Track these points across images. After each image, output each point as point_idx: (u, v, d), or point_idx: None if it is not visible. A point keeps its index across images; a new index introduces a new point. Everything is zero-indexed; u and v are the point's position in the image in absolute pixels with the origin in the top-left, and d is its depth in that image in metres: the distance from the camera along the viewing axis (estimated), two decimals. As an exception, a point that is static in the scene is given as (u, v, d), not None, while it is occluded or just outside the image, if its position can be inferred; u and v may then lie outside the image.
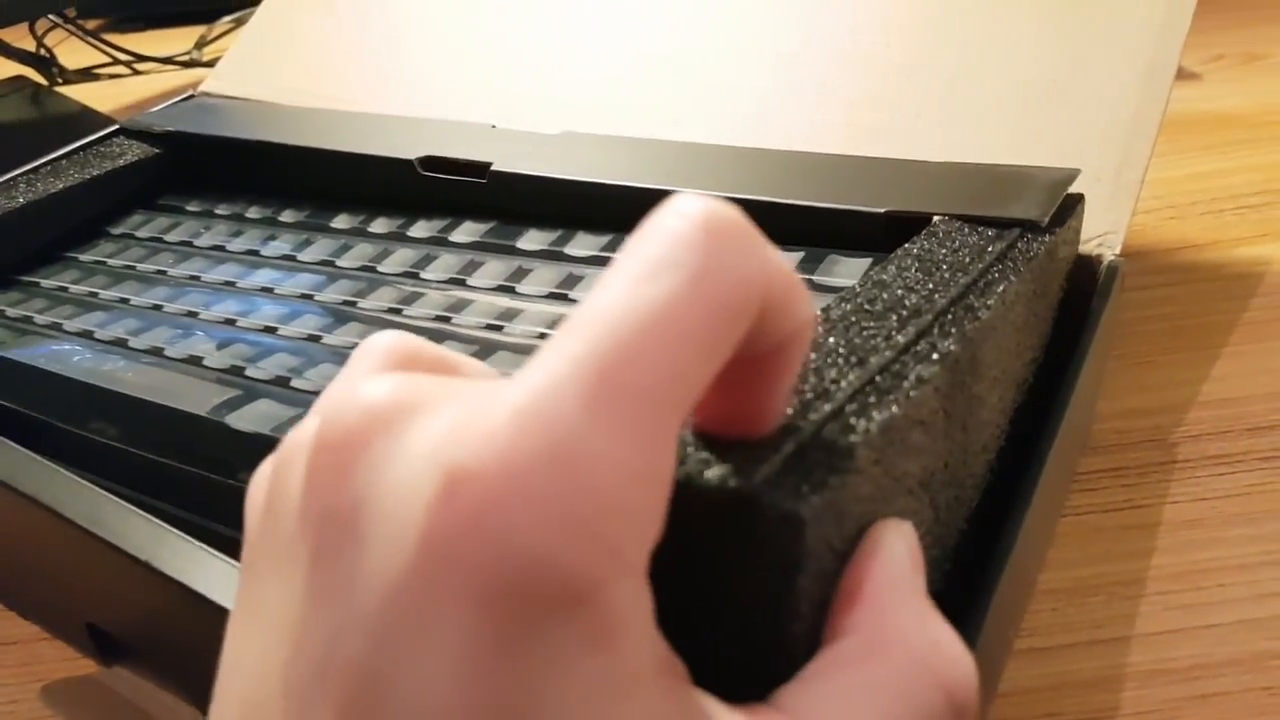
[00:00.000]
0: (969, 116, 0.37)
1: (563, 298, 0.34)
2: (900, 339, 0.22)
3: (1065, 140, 0.35)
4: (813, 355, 0.21)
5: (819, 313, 0.24)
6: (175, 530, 0.29)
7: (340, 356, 0.33)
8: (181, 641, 0.31)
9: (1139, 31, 0.36)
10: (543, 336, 0.33)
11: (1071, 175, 0.32)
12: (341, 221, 0.42)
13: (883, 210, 0.31)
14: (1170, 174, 0.55)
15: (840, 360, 0.20)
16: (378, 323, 0.35)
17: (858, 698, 0.15)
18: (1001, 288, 0.26)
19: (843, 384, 0.19)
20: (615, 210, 0.36)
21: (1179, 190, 0.53)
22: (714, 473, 0.15)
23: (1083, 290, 0.32)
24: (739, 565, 0.15)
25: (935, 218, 0.30)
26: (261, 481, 0.17)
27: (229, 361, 0.34)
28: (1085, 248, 0.33)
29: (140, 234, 0.45)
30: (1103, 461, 0.38)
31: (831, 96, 0.40)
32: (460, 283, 0.36)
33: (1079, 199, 0.32)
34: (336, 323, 0.35)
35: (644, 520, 0.13)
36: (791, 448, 0.16)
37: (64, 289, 0.41)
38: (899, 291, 0.25)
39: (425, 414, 0.14)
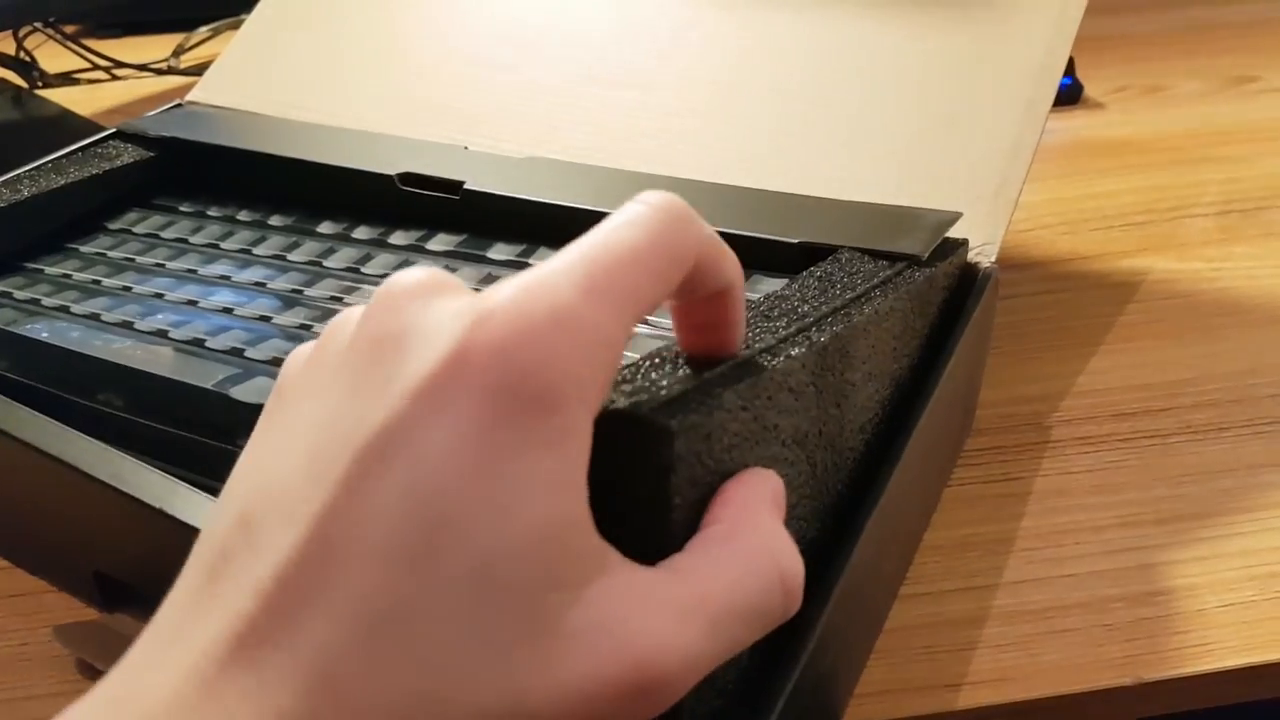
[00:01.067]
0: (873, 143, 0.43)
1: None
2: (783, 332, 0.28)
3: (955, 165, 0.41)
4: None
5: None
6: (184, 482, 0.34)
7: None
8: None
9: (1020, 72, 0.42)
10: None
11: (953, 218, 0.38)
12: (327, 227, 0.47)
13: (796, 240, 0.37)
14: (1068, 193, 0.61)
15: None
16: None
17: (719, 563, 0.21)
18: (878, 303, 0.31)
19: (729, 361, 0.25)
20: (570, 229, 0.40)
21: (1074, 208, 0.60)
22: (620, 404, 0.21)
23: (964, 293, 0.38)
24: (632, 467, 0.21)
25: (840, 249, 0.36)
26: (300, 351, 0.23)
27: (229, 344, 0.39)
28: (967, 257, 0.39)
29: (138, 229, 0.49)
30: (986, 441, 0.44)
31: (758, 122, 0.45)
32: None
33: (963, 243, 0.38)
34: (324, 315, 0.40)
35: (601, 372, 0.19)
36: (678, 391, 0.22)
37: (68, 275, 0.45)
38: (794, 302, 0.30)
39: (460, 287, 0.20)
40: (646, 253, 0.20)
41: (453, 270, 0.42)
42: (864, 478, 0.31)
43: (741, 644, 0.21)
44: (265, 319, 0.40)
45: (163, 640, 0.20)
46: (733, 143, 0.45)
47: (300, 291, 0.42)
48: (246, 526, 0.19)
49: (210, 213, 0.50)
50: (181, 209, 0.51)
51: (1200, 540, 0.39)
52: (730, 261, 0.22)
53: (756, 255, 0.37)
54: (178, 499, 0.34)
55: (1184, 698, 0.35)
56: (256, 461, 0.21)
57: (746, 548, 0.21)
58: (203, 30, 0.93)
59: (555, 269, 0.19)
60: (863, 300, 0.32)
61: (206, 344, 0.39)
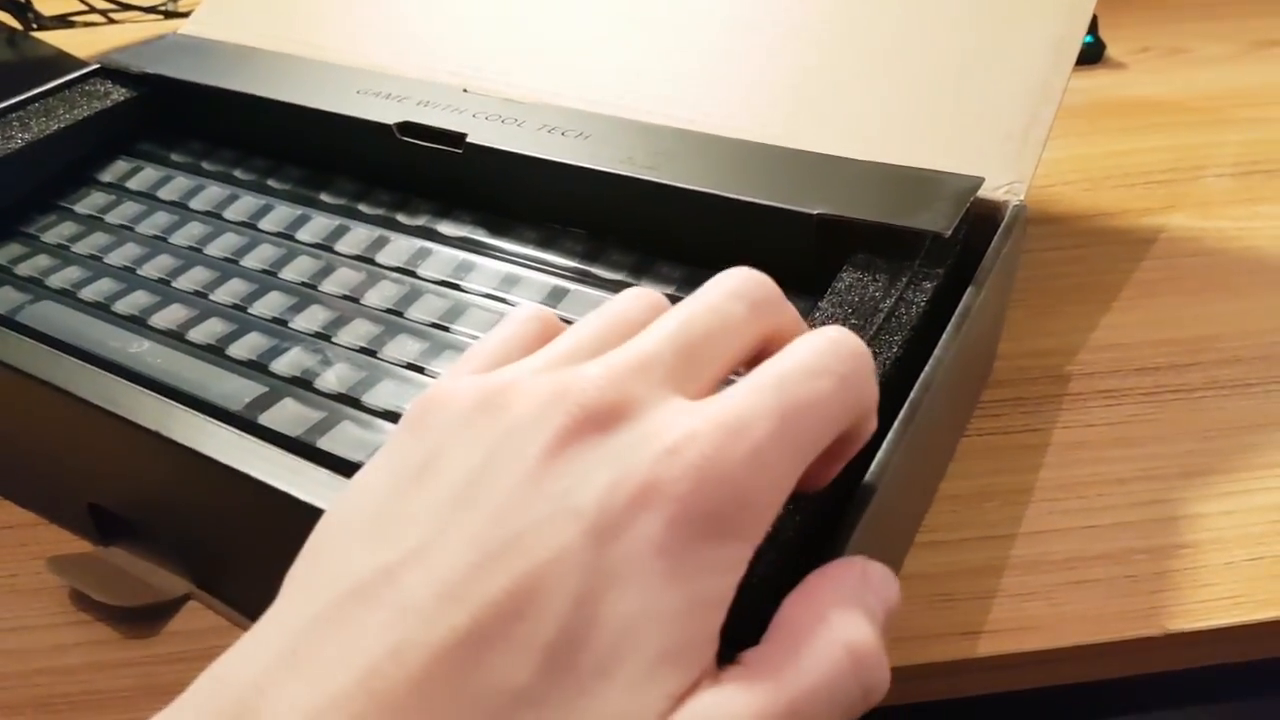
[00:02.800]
0: (898, 80, 0.41)
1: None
2: None
3: (983, 102, 0.40)
4: None
5: None
6: (182, 405, 0.33)
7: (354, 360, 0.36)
8: (184, 511, 0.35)
9: (1049, 10, 0.41)
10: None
11: (975, 184, 0.36)
12: (330, 195, 0.45)
13: (814, 213, 0.36)
14: (1089, 151, 0.59)
15: None
16: (381, 322, 0.38)
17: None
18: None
19: None
20: (575, 188, 0.40)
21: (1095, 165, 0.58)
22: None
23: (989, 230, 0.37)
24: None
25: (845, 267, 0.34)
26: (454, 396, 0.22)
27: (249, 353, 0.37)
28: (993, 195, 0.37)
29: (130, 185, 0.47)
30: (1005, 393, 0.43)
31: (775, 63, 0.44)
32: (456, 286, 0.39)
33: (978, 181, 0.37)
34: (341, 320, 0.38)
35: (774, 511, 0.20)
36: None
37: (65, 246, 0.43)
38: None
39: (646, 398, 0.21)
40: (835, 407, 0.22)
41: (469, 266, 0.40)
42: (885, 413, 0.30)
43: None
44: (281, 322, 0.38)
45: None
46: (748, 86, 0.44)
47: (313, 286, 0.40)
48: (390, 577, 0.19)
49: (205, 166, 0.48)
50: (173, 158, 0.49)
51: (1227, 494, 0.38)
52: (875, 398, 0.23)
53: (773, 226, 0.36)
54: (174, 422, 0.32)
55: (1212, 651, 0.34)
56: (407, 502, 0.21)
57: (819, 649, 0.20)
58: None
59: (754, 410, 0.20)
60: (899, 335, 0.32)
61: (227, 351, 0.37)
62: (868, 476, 0.27)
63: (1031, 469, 0.39)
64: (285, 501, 0.29)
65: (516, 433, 0.20)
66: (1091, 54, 0.69)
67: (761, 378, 0.21)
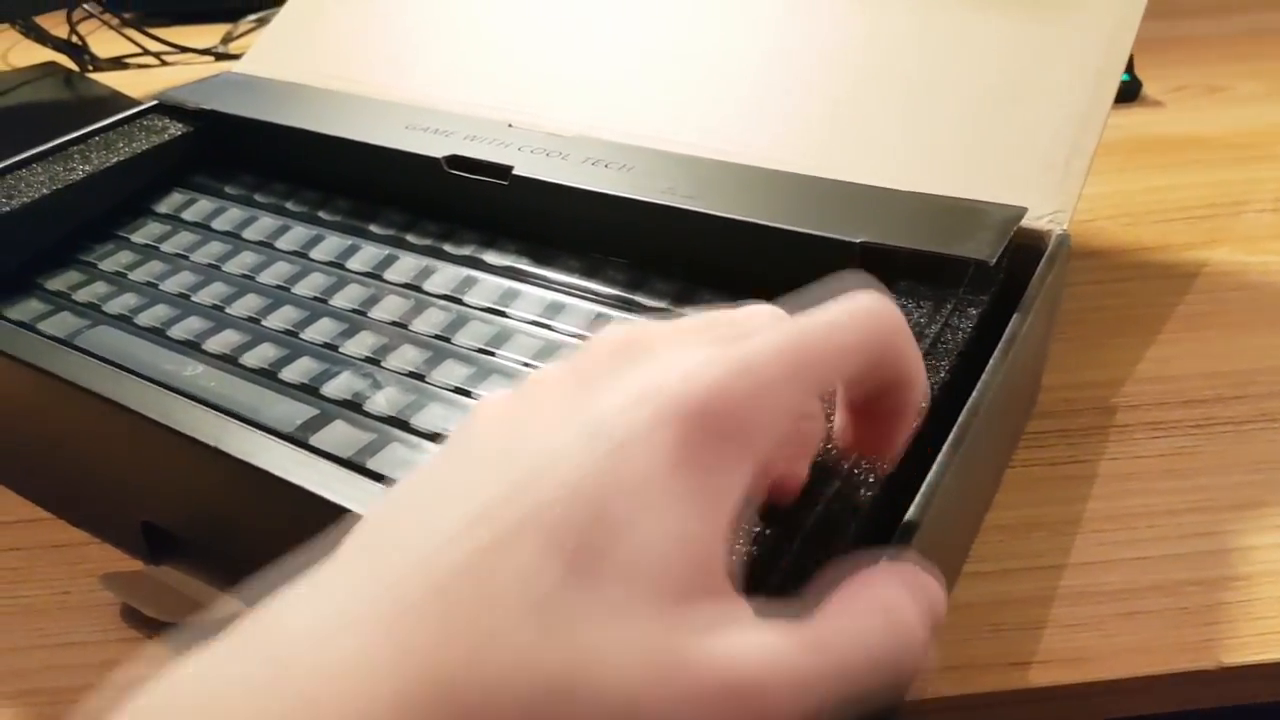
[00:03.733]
0: (940, 111, 0.42)
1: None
2: None
3: (1023, 133, 0.40)
4: None
5: None
6: (236, 419, 0.33)
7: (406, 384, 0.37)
8: (236, 527, 0.35)
9: (1090, 40, 0.41)
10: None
11: (1019, 214, 0.37)
12: (378, 227, 0.45)
13: (858, 241, 0.36)
14: (1129, 187, 0.59)
15: None
16: (429, 347, 0.38)
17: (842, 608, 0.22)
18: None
19: None
20: (619, 219, 0.40)
21: (1135, 201, 0.58)
22: None
23: (1033, 260, 0.37)
24: None
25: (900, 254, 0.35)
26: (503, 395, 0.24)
27: (300, 377, 0.37)
28: (1036, 224, 0.37)
29: (186, 216, 0.48)
30: (1050, 424, 0.43)
31: (814, 94, 0.44)
32: (501, 313, 0.40)
33: (1021, 211, 0.37)
34: (388, 347, 0.38)
35: (780, 433, 0.22)
36: None
37: (122, 274, 0.44)
38: None
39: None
40: (852, 354, 0.23)
41: (514, 294, 0.41)
42: (933, 439, 0.30)
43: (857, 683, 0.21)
44: (332, 347, 0.39)
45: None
46: (787, 116, 0.44)
47: (363, 313, 0.40)
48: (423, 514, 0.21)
49: (257, 198, 0.49)
50: (226, 190, 0.50)
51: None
52: (915, 361, 0.25)
53: (816, 255, 0.37)
54: (229, 436, 0.33)
55: (1267, 686, 0.34)
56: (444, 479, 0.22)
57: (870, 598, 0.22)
58: (249, 19, 0.93)
59: (767, 351, 0.22)
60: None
61: (279, 375, 0.37)
62: (916, 501, 0.27)
63: (1079, 500, 0.39)
64: (338, 515, 0.29)
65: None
66: (1128, 92, 0.70)
67: (785, 321, 0.23)
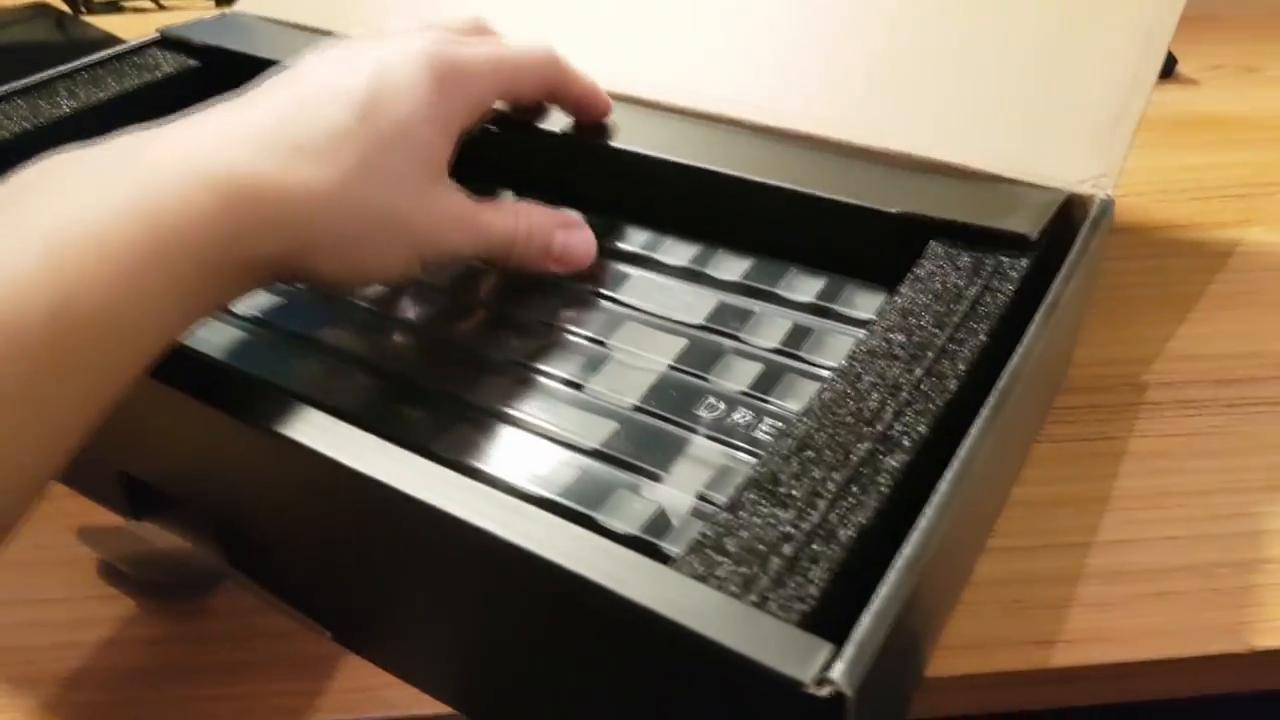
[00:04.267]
0: (983, 70, 0.40)
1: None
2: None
3: (1069, 94, 0.38)
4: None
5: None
6: (220, 364, 0.32)
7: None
8: (220, 482, 0.33)
9: (1140, 2, 0.39)
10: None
11: (1059, 198, 0.35)
12: None
13: (895, 211, 0.35)
14: (1164, 164, 0.58)
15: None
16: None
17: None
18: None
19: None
20: (647, 181, 0.39)
21: (1171, 178, 0.56)
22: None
23: (1074, 224, 0.35)
24: None
25: (925, 254, 0.33)
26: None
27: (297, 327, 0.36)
28: (1079, 188, 0.36)
29: None
30: (1081, 400, 0.41)
31: (852, 50, 0.42)
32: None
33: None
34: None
35: (482, 101, 0.35)
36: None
37: None
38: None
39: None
40: (527, 71, 0.37)
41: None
42: (970, 405, 0.28)
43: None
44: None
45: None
46: (825, 75, 0.42)
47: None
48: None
49: None
50: None
51: (1317, 510, 0.36)
52: (578, 80, 0.40)
53: (852, 223, 0.35)
54: (212, 383, 0.31)
55: (1303, 672, 0.32)
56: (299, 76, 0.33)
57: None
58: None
59: (480, 51, 0.35)
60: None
61: (273, 324, 0.36)
62: (954, 466, 0.25)
63: (1108, 477, 0.38)
64: (332, 469, 0.28)
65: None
66: (1163, 69, 0.67)
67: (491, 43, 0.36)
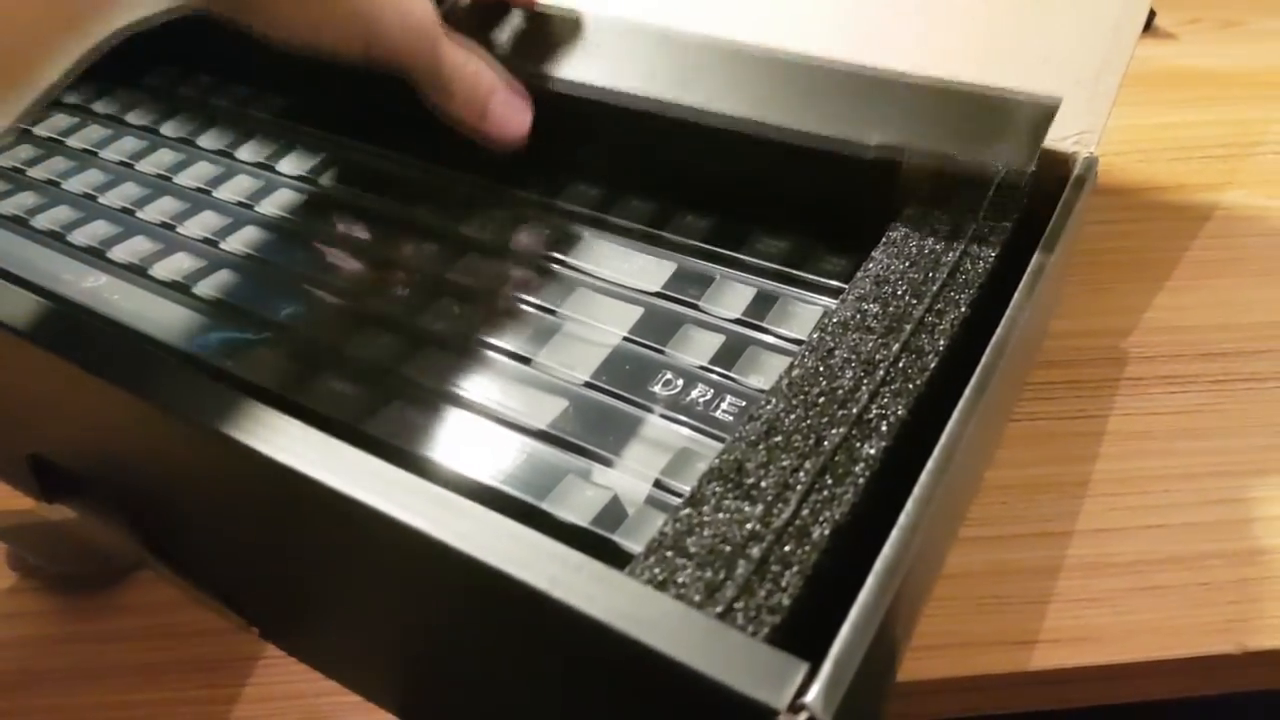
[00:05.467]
0: (959, 26, 0.37)
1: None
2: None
3: (1052, 44, 0.35)
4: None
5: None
6: (143, 340, 0.28)
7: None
8: (137, 464, 0.30)
9: (1128, -55, 0.36)
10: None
11: (1051, 108, 0.32)
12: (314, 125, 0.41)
13: (871, 144, 0.32)
14: (1142, 122, 0.55)
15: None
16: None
17: None
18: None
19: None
20: (593, 119, 0.36)
21: (1148, 137, 0.54)
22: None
23: (1056, 184, 0.32)
24: None
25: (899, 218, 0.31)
26: None
27: (217, 293, 0.33)
28: (1061, 145, 0.33)
29: (97, 109, 0.42)
30: (1059, 374, 0.39)
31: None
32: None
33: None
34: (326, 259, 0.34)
35: None
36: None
37: (20, 170, 0.39)
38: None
39: None
40: None
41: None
42: (952, 382, 0.26)
43: None
44: (256, 259, 0.34)
45: None
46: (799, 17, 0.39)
47: (294, 221, 0.36)
48: None
49: (181, 91, 0.43)
50: (145, 81, 0.44)
51: (1309, 495, 0.34)
52: None
53: (821, 163, 0.32)
54: (118, 356, 0.28)
55: (1296, 672, 0.30)
56: None
57: None
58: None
59: None
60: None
61: (193, 290, 0.33)
62: (937, 452, 0.23)
63: (1088, 459, 0.35)
64: (251, 456, 0.25)
65: None
66: (1140, 23, 0.65)
67: None
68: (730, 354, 0.30)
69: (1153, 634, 0.30)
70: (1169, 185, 0.50)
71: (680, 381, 0.30)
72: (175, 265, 0.34)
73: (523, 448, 0.28)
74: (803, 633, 0.20)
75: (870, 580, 0.20)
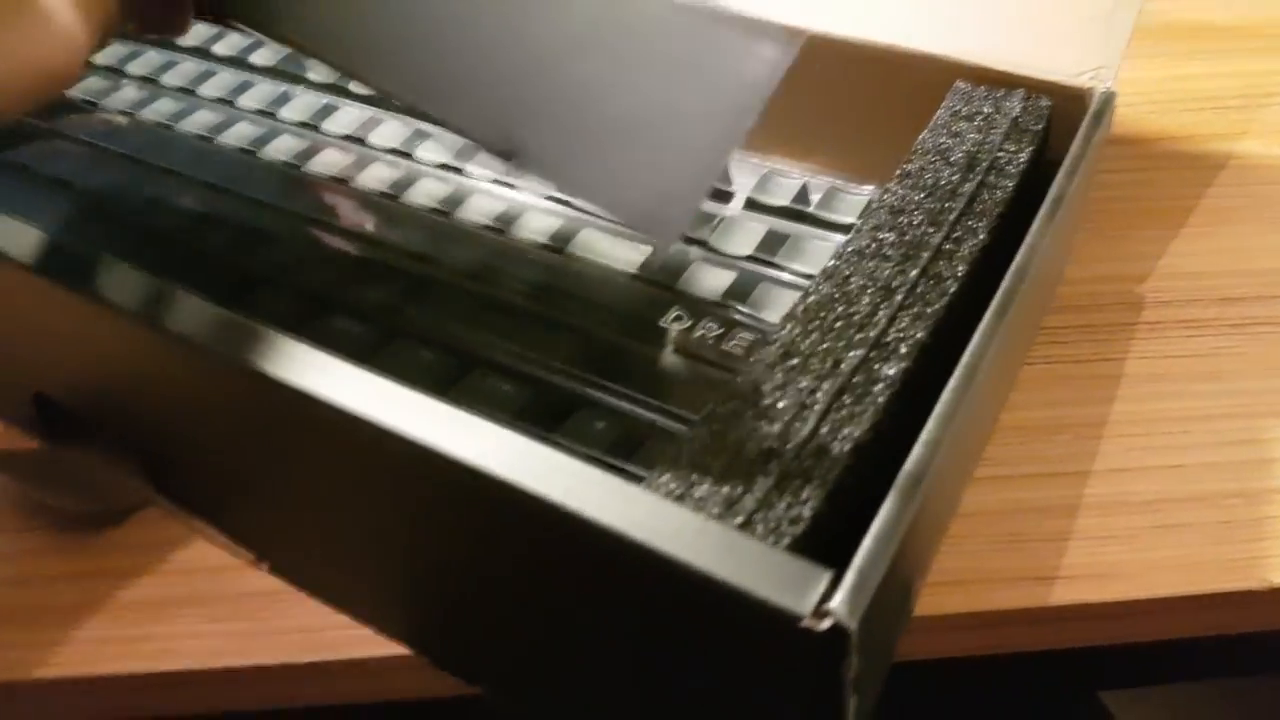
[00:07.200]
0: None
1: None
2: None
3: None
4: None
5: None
6: (135, 271, 0.28)
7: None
8: (145, 399, 0.30)
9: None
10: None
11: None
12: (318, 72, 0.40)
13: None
14: (1154, 74, 0.54)
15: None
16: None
17: None
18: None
19: None
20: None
21: (1161, 89, 0.53)
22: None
23: (1071, 120, 0.32)
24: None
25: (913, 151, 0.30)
26: None
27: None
28: (1077, 81, 0.33)
29: (95, 60, 0.42)
30: (1073, 319, 0.38)
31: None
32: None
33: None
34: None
35: None
36: None
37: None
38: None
39: None
40: None
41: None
42: (971, 309, 0.25)
43: None
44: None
45: None
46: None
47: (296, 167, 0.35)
48: None
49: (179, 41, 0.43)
50: None
51: (1329, 436, 0.33)
52: None
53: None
54: (132, 286, 0.27)
55: (1320, 608, 0.30)
56: None
57: None
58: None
59: None
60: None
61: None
62: (957, 373, 0.22)
63: (1105, 401, 0.35)
64: (267, 387, 0.24)
65: None
66: (1150, -21, 0.64)
67: None
68: (741, 290, 0.30)
69: (1174, 570, 0.29)
70: (1181, 135, 0.49)
71: (689, 317, 0.29)
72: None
73: (534, 383, 0.27)
74: (823, 549, 0.19)
75: (893, 492, 0.20)
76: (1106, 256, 0.41)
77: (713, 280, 0.30)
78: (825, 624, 0.17)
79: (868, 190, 0.33)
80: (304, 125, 0.37)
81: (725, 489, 0.20)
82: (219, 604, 0.29)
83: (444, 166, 0.34)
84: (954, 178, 0.28)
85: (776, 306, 0.29)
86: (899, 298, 0.25)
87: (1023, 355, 0.36)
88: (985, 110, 0.32)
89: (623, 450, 0.25)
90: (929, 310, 0.24)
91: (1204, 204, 0.44)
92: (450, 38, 0.26)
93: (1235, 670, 0.31)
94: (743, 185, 0.34)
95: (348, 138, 0.36)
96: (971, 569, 0.29)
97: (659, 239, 0.30)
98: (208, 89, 0.39)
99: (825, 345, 0.23)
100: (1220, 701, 0.52)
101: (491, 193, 0.33)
